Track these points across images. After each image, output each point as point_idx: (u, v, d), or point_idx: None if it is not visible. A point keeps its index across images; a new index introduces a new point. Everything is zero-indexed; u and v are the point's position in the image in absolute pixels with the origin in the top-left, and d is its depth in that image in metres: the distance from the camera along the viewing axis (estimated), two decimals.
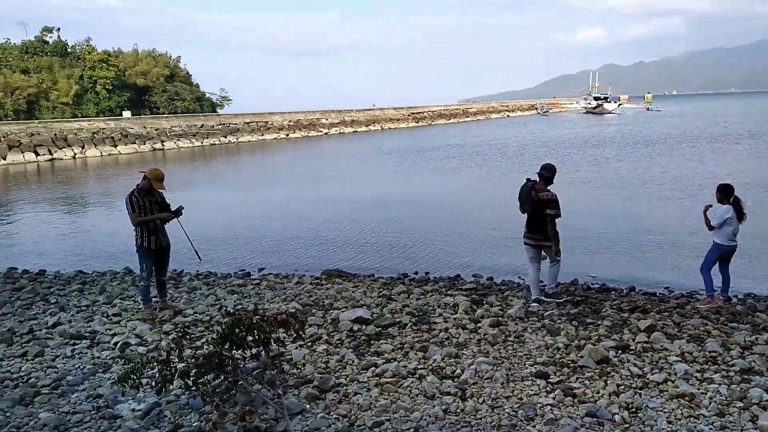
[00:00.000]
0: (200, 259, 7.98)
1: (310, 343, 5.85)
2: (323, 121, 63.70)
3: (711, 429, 3.95)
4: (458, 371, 5.04)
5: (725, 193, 6.74)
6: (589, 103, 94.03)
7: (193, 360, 4.34)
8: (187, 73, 73.77)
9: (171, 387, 4.47)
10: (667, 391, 4.55)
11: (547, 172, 6.86)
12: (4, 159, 37.38)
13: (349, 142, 49.19)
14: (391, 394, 4.60)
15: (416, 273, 9.28)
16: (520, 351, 5.49)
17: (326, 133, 61.00)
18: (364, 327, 6.26)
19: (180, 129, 50.68)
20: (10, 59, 58.09)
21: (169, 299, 7.52)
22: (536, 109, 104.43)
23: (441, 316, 6.69)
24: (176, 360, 4.40)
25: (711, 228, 6.76)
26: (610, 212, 13.59)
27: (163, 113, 60.94)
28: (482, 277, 8.88)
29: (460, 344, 5.74)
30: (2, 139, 38.59)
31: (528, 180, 6.96)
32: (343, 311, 6.81)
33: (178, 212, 6.95)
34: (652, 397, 4.45)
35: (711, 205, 6.94)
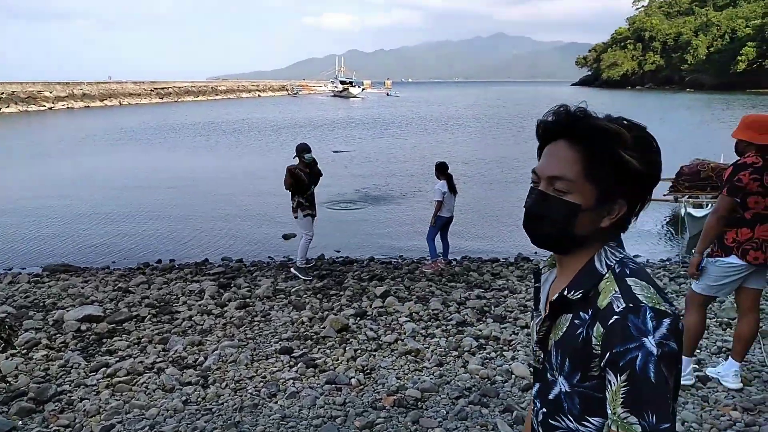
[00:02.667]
0: None
1: (25, 351, 5.07)
2: (46, 94, 55.46)
3: (432, 378, 4.45)
4: (201, 359, 4.86)
5: (441, 170, 7.62)
6: (336, 87, 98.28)
7: None
8: None
9: None
10: (397, 349, 5.01)
11: (308, 152, 7.40)
12: None
13: (80, 119, 43.68)
14: (124, 393, 4.23)
15: (159, 261, 8.69)
16: (266, 330, 5.52)
17: (51, 108, 53.33)
18: (94, 325, 5.64)
19: None
20: None
21: None
22: (287, 90, 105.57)
23: (185, 304, 6.39)
24: None
25: (439, 205, 7.53)
26: (359, 188, 14.40)
27: None
28: (232, 259, 8.70)
29: (204, 331, 5.54)
30: None
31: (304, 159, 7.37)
32: (68, 310, 6.04)
33: None
34: (384, 357, 4.86)
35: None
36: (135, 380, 4.46)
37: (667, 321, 1.05)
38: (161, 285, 7.14)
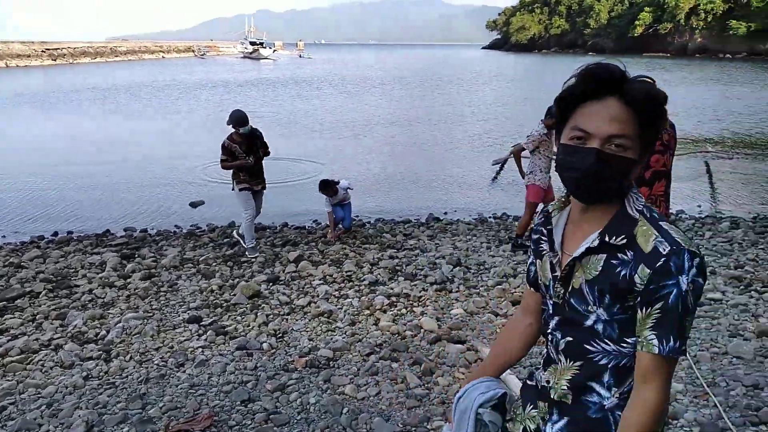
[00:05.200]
0: None
1: None
2: None
3: (344, 337, 4.51)
4: (103, 332, 4.66)
5: (328, 185, 7.23)
6: (246, 48, 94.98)
7: None
8: None
9: None
10: (310, 312, 5.02)
11: (243, 124, 6.51)
12: None
13: None
14: (17, 373, 3.99)
15: (56, 234, 8.16)
16: (174, 299, 5.36)
17: None
18: None
19: None
20: None
21: None
22: (193, 51, 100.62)
23: (85, 277, 6.06)
24: None
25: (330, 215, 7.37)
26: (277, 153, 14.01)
27: None
28: (135, 229, 8.31)
29: (106, 304, 5.30)
30: None
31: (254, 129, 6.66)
32: None
33: None
34: (297, 320, 4.86)
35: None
36: (30, 359, 4.21)
37: (697, 260, 1.24)
38: (58, 258, 6.73)
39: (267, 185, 7.01)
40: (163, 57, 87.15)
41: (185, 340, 4.46)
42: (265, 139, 6.80)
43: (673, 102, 4.22)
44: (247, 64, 70.84)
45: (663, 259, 1.22)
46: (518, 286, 5.54)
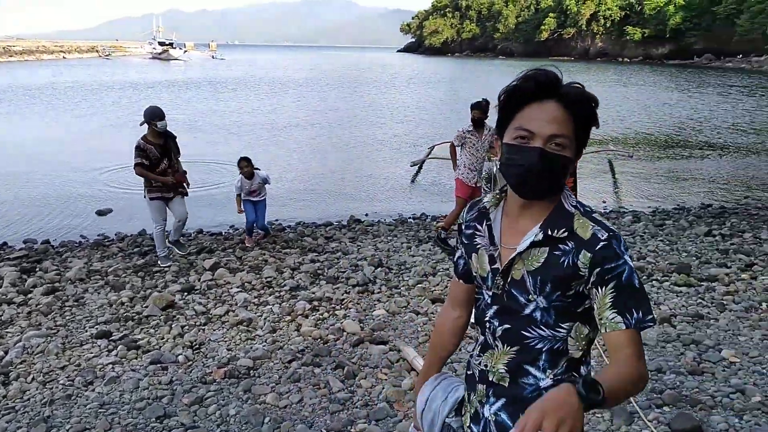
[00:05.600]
0: None
1: None
2: None
3: (265, 345, 4.41)
4: (0, 353, 4.30)
5: (249, 161, 7.05)
6: (155, 48, 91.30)
7: None
8: None
9: None
10: (228, 321, 4.87)
11: (160, 118, 6.08)
12: None
13: None
14: None
15: None
16: (80, 314, 5.03)
17: None
18: None
19: None
20: None
21: None
22: (97, 52, 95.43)
23: None
24: None
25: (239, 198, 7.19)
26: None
27: None
28: (36, 241, 7.75)
29: (4, 322, 4.90)
30: None
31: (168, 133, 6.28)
32: None
33: None
34: (214, 330, 4.70)
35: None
36: None
37: (626, 244, 1.37)
38: None
39: (186, 190, 6.68)
40: (64, 57, 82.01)
41: (94, 357, 4.20)
42: (178, 144, 6.51)
43: None
44: (157, 65, 68.05)
45: (603, 243, 1.32)
46: (438, 284, 5.64)
